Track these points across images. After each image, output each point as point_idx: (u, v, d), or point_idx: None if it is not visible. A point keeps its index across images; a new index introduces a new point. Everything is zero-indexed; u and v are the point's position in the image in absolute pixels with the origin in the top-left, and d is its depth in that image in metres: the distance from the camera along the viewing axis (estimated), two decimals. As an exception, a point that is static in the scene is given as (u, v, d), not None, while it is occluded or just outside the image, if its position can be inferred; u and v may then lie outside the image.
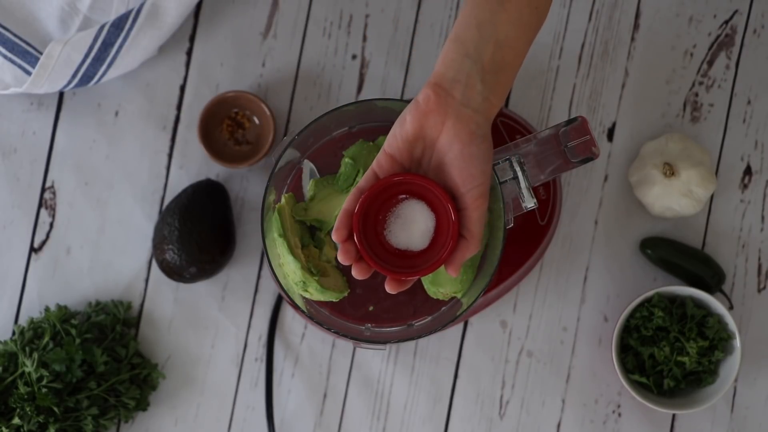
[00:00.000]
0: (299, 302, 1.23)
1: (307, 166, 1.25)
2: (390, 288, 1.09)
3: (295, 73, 1.44)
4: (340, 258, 1.07)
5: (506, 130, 1.36)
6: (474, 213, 1.07)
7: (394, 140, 1.07)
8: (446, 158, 1.07)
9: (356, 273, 1.08)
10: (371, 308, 1.26)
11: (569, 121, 1.17)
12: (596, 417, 1.43)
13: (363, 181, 1.08)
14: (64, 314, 1.39)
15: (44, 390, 1.33)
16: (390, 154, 1.08)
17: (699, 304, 1.39)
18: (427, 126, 1.06)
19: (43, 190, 1.44)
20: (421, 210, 1.10)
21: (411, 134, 1.07)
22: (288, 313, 1.43)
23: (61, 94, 1.44)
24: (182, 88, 1.44)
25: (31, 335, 1.38)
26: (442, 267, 1.20)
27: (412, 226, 1.10)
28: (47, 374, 1.34)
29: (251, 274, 1.43)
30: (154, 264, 1.43)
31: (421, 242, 1.10)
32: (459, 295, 1.23)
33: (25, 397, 1.33)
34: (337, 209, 1.22)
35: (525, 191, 1.18)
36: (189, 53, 1.45)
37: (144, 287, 1.43)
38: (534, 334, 1.43)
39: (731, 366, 1.37)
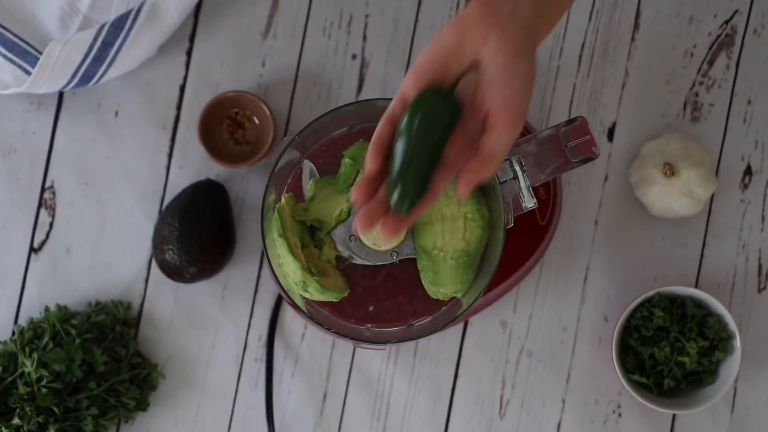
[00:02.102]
0: (299, 302, 1.23)
1: (307, 166, 1.25)
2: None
3: (295, 73, 1.44)
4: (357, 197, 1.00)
5: (506, 130, 1.36)
6: (505, 134, 0.98)
7: (425, 56, 0.98)
8: (487, 73, 0.98)
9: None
10: (371, 308, 1.26)
11: (569, 121, 1.18)
12: (596, 417, 1.43)
13: (390, 107, 1.00)
14: (64, 314, 1.39)
15: (44, 390, 1.33)
16: (418, 72, 0.98)
17: (699, 304, 1.39)
18: (468, 38, 0.98)
19: (43, 190, 1.44)
20: None
21: (449, 47, 0.98)
22: (288, 313, 1.43)
23: (61, 94, 1.44)
24: (182, 88, 1.44)
25: (31, 335, 1.38)
26: (442, 269, 1.20)
27: None
28: (47, 374, 1.34)
29: (251, 274, 1.43)
30: (154, 264, 1.43)
31: None
32: (459, 295, 1.23)
33: (25, 397, 1.33)
34: (337, 209, 1.22)
35: (525, 191, 1.18)
36: (189, 53, 1.45)
37: (144, 287, 1.43)
38: (534, 334, 1.43)
39: (731, 366, 1.37)
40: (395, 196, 1.00)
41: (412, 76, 0.98)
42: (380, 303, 1.25)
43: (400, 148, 0.99)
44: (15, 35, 1.39)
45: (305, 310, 1.23)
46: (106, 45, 1.38)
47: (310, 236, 1.24)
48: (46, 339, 1.37)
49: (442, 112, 0.98)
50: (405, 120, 0.99)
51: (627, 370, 1.39)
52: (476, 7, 0.97)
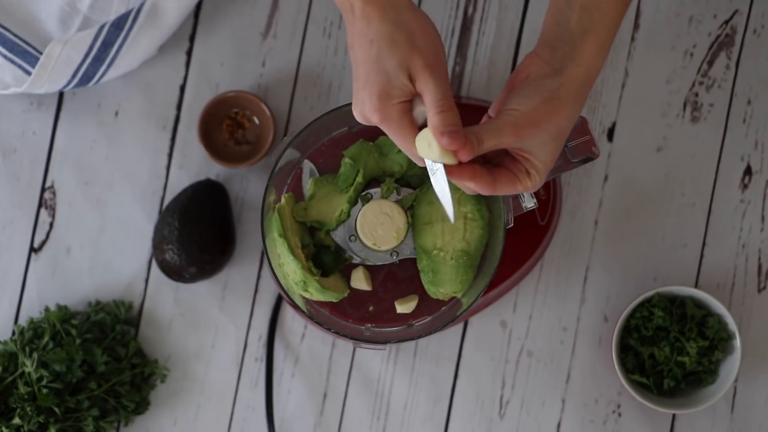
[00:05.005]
0: (299, 302, 1.23)
1: (307, 166, 1.25)
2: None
3: (295, 73, 1.44)
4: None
5: (506, 130, 1.36)
6: (536, 184, 1.09)
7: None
8: (536, 150, 1.08)
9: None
10: (371, 308, 1.26)
11: (569, 121, 1.17)
12: (596, 417, 1.43)
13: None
14: (64, 314, 1.39)
15: (45, 390, 1.33)
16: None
17: (699, 304, 1.39)
18: (515, 82, 1.10)
19: (43, 190, 1.44)
20: None
21: (504, 92, 1.11)
22: (288, 313, 1.43)
23: (61, 94, 1.44)
24: (182, 88, 1.44)
25: (31, 335, 1.38)
26: (441, 269, 1.20)
27: None
28: (47, 374, 1.34)
29: (251, 274, 1.43)
30: (154, 264, 1.43)
31: None
32: (459, 295, 1.23)
33: (26, 397, 1.33)
34: (337, 209, 1.22)
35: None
36: (189, 53, 1.45)
37: (144, 287, 1.43)
38: (534, 334, 1.43)
39: (731, 366, 1.37)
40: None
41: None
42: (380, 303, 1.25)
43: None
44: (15, 35, 1.39)
45: (305, 310, 1.23)
46: (106, 45, 1.38)
47: (310, 236, 1.24)
48: (46, 339, 1.37)
49: None
50: None
51: (627, 370, 1.39)
52: (526, 59, 1.09)
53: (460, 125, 1.03)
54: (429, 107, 1.03)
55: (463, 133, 1.02)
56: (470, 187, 1.07)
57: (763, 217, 1.44)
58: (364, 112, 1.06)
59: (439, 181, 1.06)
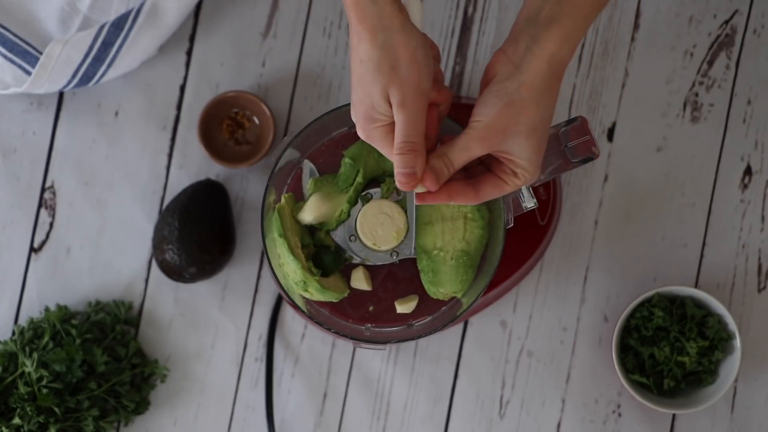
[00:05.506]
0: (299, 302, 1.23)
1: (307, 165, 1.25)
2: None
3: (295, 73, 1.44)
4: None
5: (506, 130, 1.36)
6: (525, 182, 1.09)
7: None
8: (517, 150, 1.09)
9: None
10: (371, 308, 1.26)
11: (569, 121, 1.17)
12: (596, 417, 1.43)
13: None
14: (64, 314, 1.39)
15: (45, 390, 1.33)
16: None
17: (699, 304, 1.39)
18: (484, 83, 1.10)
19: (43, 190, 1.44)
20: None
21: (480, 93, 1.10)
22: (288, 313, 1.43)
23: (61, 94, 1.44)
24: (182, 88, 1.44)
25: (31, 335, 1.38)
26: (441, 269, 1.20)
27: None
28: (47, 374, 1.34)
29: (251, 274, 1.43)
30: (154, 264, 1.43)
31: None
32: (459, 295, 1.23)
33: (26, 397, 1.33)
34: (337, 209, 1.22)
35: (525, 191, 1.18)
36: (189, 53, 1.45)
37: (144, 287, 1.43)
38: (534, 334, 1.43)
39: (731, 366, 1.37)
40: None
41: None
42: (380, 303, 1.25)
43: None
44: (15, 35, 1.39)
45: (305, 310, 1.23)
46: (106, 45, 1.38)
47: (310, 236, 1.24)
48: (46, 339, 1.37)
49: None
50: None
51: (627, 370, 1.39)
52: (493, 56, 1.08)
53: (420, 165, 1.06)
54: (394, 145, 1.06)
55: (416, 177, 1.06)
56: (453, 203, 1.09)
57: (763, 217, 1.44)
58: (355, 122, 1.09)
59: (410, 208, 1.12)
